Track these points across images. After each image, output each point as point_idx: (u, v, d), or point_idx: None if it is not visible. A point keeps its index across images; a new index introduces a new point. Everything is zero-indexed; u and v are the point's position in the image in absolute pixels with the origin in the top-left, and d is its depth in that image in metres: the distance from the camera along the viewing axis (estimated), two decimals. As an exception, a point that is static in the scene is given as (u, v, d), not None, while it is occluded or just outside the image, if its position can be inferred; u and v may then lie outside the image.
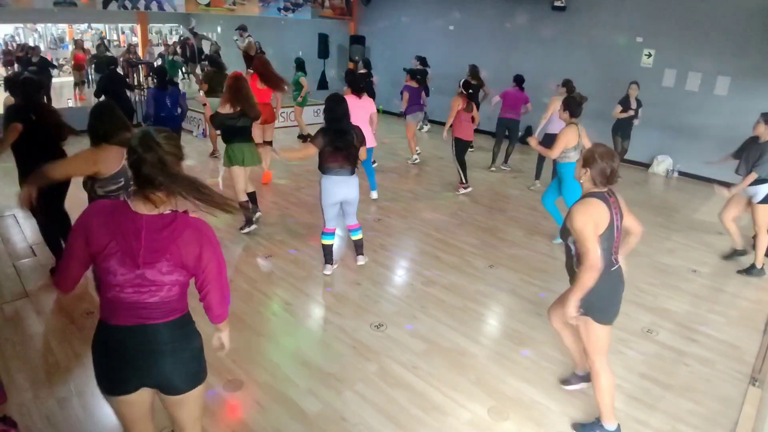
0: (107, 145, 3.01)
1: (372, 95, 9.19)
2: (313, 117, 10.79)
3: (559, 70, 9.29)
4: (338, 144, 4.06)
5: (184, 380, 1.92)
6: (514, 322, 3.94)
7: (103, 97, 6.81)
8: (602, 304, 2.60)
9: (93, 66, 12.66)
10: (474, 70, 9.01)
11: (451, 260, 4.90)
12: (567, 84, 6.99)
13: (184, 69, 15.37)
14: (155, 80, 6.58)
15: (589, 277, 2.44)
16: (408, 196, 6.78)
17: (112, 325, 1.81)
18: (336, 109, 4.09)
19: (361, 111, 5.77)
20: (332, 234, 4.45)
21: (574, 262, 2.63)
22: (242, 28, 11.37)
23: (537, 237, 5.61)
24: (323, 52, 12.83)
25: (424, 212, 6.20)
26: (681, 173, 8.51)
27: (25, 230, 5.17)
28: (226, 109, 4.88)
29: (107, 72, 7.46)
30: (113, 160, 3.03)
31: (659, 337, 3.83)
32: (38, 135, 3.99)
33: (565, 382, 3.22)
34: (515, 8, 9.99)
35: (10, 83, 4.39)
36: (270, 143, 6.95)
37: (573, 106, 4.92)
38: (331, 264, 4.54)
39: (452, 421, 2.88)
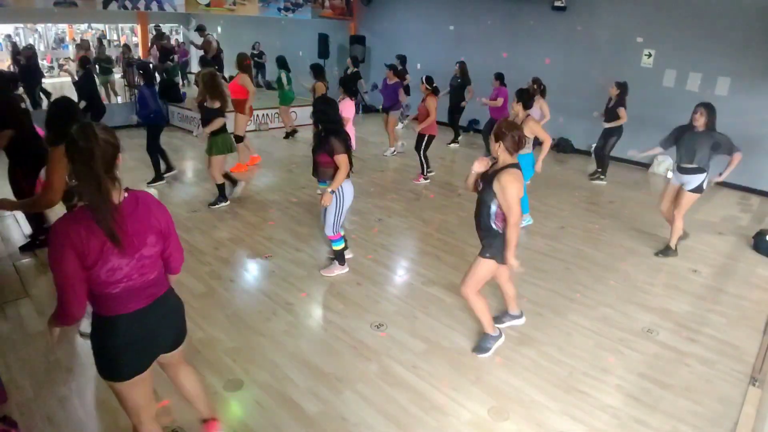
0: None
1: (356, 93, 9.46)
2: (309, 117, 10.77)
3: (560, 70, 9.32)
4: (348, 147, 4.09)
5: (182, 336, 2.22)
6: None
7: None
8: (500, 251, 3.23)
9: (97, 66, 12.62)
10: (463, 67, 9.20)
11: (452, 260, 4.90)
12: (537, 81, 7.01)
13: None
14: (143, 77, 6.66)
15: (517, 232, 3.11)
16: (408, 196, 6.78)
17: (127, 313, 1.91)
18: (332, 113, 4.06)
19: (349, 112, 6.00)
20: (343, 237, 4.51)
21: (492, 220, 3.17)
22: (201, 29, 11.42)
23: (537, 237, 5.61)
24: (323, 52, 12.83)
25: (425, 212, 6.20)
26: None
27: (25, 230, 5.17)
28: (217, 104, 5.55)
29: (83, 72, 7.50)
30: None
31: (659, 337, 3.83)
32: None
33: (480, 350, 3.53)
34: (515, 8, 9.99)
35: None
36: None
37: (526, 99, 5.20)
38: (345, 262, 4.59)
39: (452, 421, 2.88)
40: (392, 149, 8.70)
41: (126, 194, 1.87)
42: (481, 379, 3.24)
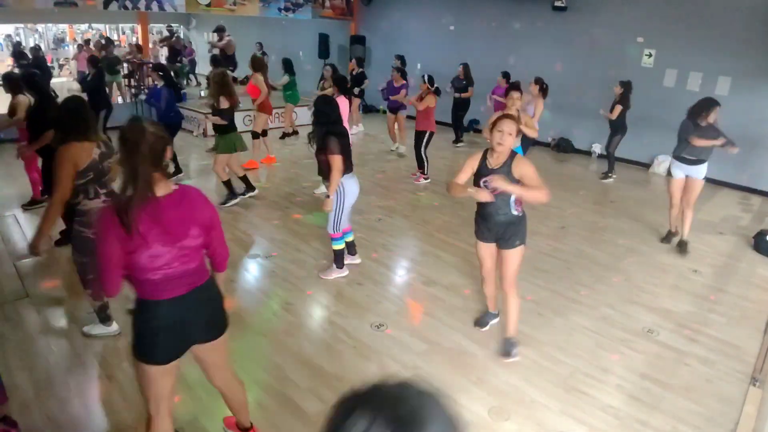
0: (77, 142, 3.05)
1: (361, 93, 9.56)
2: (310, 117, 10.79)
3: (560, 70, 9.31)
4: (347, 145, 4.07)
5: (221, 327, 2.24)
6: (514, 322, 3.93)
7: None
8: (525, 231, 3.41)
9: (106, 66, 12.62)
10: (466, 69, 9.27)
11: (452, 260, 4.90)
12: (539, 81, 7.04)
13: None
14: (163, 78, 6.64)
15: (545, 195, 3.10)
16: (409, 195, 6.78)
17: (165, 299, 1.99)
18: (332, 112, 4.06)
19: (344, 111, 5.96)
20: (349, 231, 4.51)
21: (512, 209, 3.27)
22: (220, 29, 11.45)
23: (537, 237, 5.60)
24: (324, 53, 12.83)
25: (426, 212, 6.20)
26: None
27: (25, 230, 5.17)
28: (225, 104, 5.59)
29: (95, 71, 7.51)
30: (83, 156, 3.08)
31: (660, 337, 3.83)
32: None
33: (481, 323, 3.75)
34: (516, 8, 9.99)
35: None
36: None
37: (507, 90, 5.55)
38: (344, 264, 4.51)
39: (453, 421, 2.88)
40: (404, 147, 8.80)
41: (176, 187, 1.99)
42: (482, 379, 3.24)
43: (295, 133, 9.83)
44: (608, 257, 5.17)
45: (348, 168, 4.11)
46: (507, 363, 3.41)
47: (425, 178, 7.31)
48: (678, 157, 5.21)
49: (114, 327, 3.51)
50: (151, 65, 7.68)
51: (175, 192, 1.97)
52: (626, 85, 7.54)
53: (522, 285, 4.48)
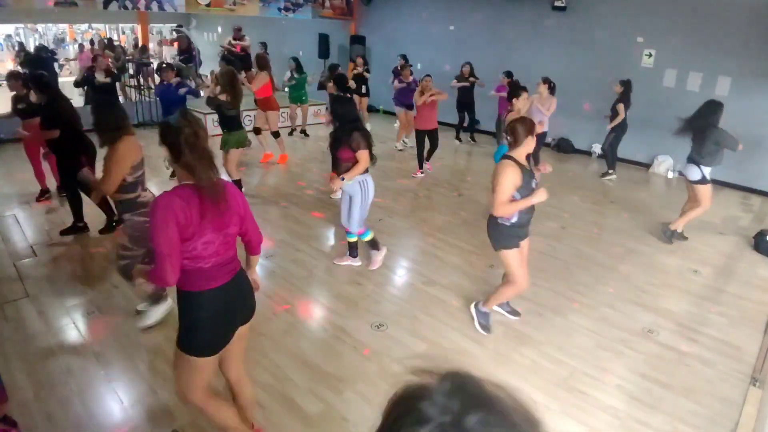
0: (126, 135, 3.24)
1: (368, 93, 9.56)
2: (312, 117, 10.80)
3: (560, 70, 9.31)
4: (371, 143, 4.21)
5: (254, 305, 2.32)
6: (514, 321, 3.93)
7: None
8: (510, 241, 3.46)
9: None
10: (469, 69, 9.35)
11: (452, 260, 4.90)
12: (547, 81, 7.07)
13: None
14: (161, 75, 6.83)
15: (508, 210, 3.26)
16: (408, 195, 6.78)
17: (215, 288, 2.06)
18: (352, 111, 4.21)
19: None
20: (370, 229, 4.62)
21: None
22: (239, 30, 11.46)
23: (537, 237, 5.59)
24: (324, 53, 12.83)
25: (425, 212, 6.20)
26: (681, 173, 8.48)
27: (25, 230, 5.17)
28: (223, 97, 5.65)
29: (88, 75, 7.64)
30: (137, 151, 3.28)
31: (660, 337, 3.83)
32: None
33: (512, 312, 3.94)
34: (515, 8, 9.98)
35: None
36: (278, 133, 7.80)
37: (516, 90, 5.78)
38: (358, 255, 4.71)
39: (453, 421, 2.88)
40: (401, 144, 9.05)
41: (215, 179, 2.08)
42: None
43: (303, 132, 9.83)
44: (608, 257, 5.17)
45: (371, 166, 4.27)
46: (507, 363, 3.41)
47: (421, 173, 7.54)
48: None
49: (169, 300, 3.60)
50: (165, 64, 7.68)
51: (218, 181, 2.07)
52: (626, 84, 7.57)
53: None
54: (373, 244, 4.62)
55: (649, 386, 3.26)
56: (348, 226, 4.47)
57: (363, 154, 4.11)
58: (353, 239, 4.57)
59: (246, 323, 2.29)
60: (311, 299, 4.16)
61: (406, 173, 7.68)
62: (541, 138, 7.18)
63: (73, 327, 3.59)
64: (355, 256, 4.66)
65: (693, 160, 5.24)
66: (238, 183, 6.03)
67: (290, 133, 9.79)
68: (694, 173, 5.26)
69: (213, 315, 2.08)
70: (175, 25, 13.91)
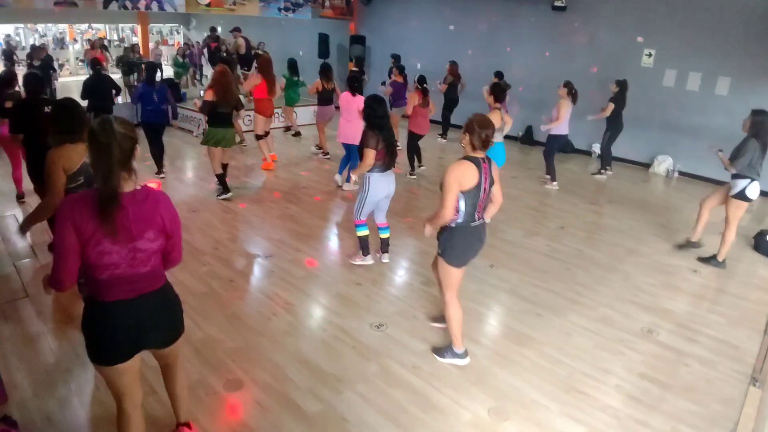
0: (70, 144, 3.01)
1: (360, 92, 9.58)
2: (312, 117, 10.79)
3: (560, 70, 9.31)
4: (387, 141, 4.25)
5: (175, 335, 2.24)
6: (514, 322, 3.94)
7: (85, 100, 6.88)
8: (455, 251, 3.14)
9: (121, 68, 12.58)
10: (453, 67, 9.45)
11: (452, 260, 4.90)
12: (567, 85, 7.08)
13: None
14: (145, 75, 6.76)
15: (442, 218, 3.04)
16: (408, 195, 6.78)
17: (109, 301, 1.97)
18: (378, 109, 4.24)
19: (357, 108, 5.95)
20: (366, 225, 4.60)
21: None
22: (236, 29, 11.47)
23: (537, 237, 5.61)
24: (324, 53, 12.83)
25: (425, 212, 6.20)
26: (681, 173, 8.50)
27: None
28: (209, 97, 5.68)
29: (93, 73, 7.27)
30: (74, 159, 3.02)
31: (660, 337, 3.83)
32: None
33: (435, 320, 3.78)
34: (515, 8, 9.99)
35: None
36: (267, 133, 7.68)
37: (498, 92, 5.71)
38: (369, 253, 4.70)
39: (452, 421, 2.88)
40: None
41: (138, 187, 1.96)
42: (481, 379, 3.24)
43: (298, 134, 9.85)
44: (607, 257, 5.17)
45: (383, 164, 4.29)
46: (507, 364, 3.41)
47: (411, 174, 7.59)
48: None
49: None
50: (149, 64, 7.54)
51: (138, 192, 1.95)
52: (622, 84, 7.64)
53: (521, 285, 4.50)
54: (362, 245, 4.64)
55: (648, 386, 3.26)
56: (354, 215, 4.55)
57: (367, 152, 4.19)
58: (360, 233, 4.58)
59: (165, 347, 2.22)
60: (311, 299, 4.16)
61: (403, 173, 7.69)
62: (556, 141, 7.22)
63: (73, 327, 3.58)
64: (366, 254, 4.69)
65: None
66: (221, 178, 6.12)
67: (294, 134, 9.84)
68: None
69: (106, 328, 1.99)
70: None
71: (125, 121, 1.93)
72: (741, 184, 4.76)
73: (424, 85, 7.31)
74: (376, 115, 4.23)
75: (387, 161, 4.31)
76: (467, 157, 3.04)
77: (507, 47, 10.26)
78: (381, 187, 4.39)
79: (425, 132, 7.43)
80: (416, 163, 7.66)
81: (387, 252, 4.80)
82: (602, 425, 2.91)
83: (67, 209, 1.85)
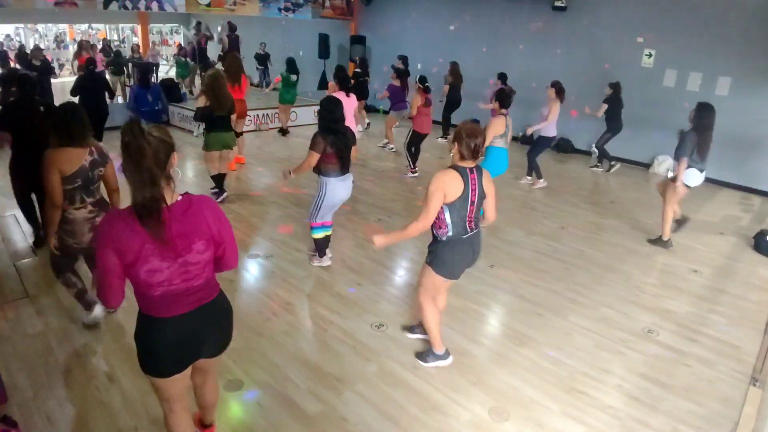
0: (69, 148, 3.00)
1: (366, 95, 9.58)
2: (313, 117, 10.81)
3: (560, 70, 9.31)
4: (342, 146, 4.10)
5: (227, 343, 2.18)
6: (514, 322, 3.93)
7: (77, 98, 6.73)
8: (445, 265, 3.03)
9: (110, 69, 12.53)
10: (454, 68, 9.43)
11: (452, 260, 4.89)
12: (555, 85, 7.09)
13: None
14: (138, 77, 6.71)
15: (414, 229, 2.90)
16: (408, 195, 6.78)
17: (169, 317, 1.89)
18: (334, 111, 4.09)
19: (349, 108, 5.96)
20: (329, 226, 4.57)
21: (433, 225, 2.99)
22: (231, 28, 11.46)
23: (537, 237, 5.60)
24: (324, 53, 12.83)
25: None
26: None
27: (25, 230, 5.17)
28: (201, 103, 5.62)
29: (86, 72, 7.13)
30: (73, 161, 3.01)
31: (660, 337, 3.83)
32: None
33: (411, 330, 3.64)
34: (515, 8, 9.99)
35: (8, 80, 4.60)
36: (241, 134, 7.60)
37: (503, 98, 5.59)
38: (327, 255, 4.66)
39: (452, 421, 2.88)
40: (391, 146, 9.12)
41: (180, 197, 1.85)
42: (481, 379, 3.24)
43: (286, 132, 9.91)
44: (607, 257, 5.17)
45: (337, 169, 4.16)
46: (507, 364, 3.41)
47: (412, 173, 7.54)
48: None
49: (98, 311, 3.54)
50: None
51: (179, 202, 1.83)
52: (615, 86, 7.78)
53: (521, 285, 4.49)
54: (318, 247, 4.60)
55: (648, 386, 3.26)
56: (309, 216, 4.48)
57: (309, 154, 4.07)
58: (316, 235, 4.53)
59: (214, 357, 2.16)
60: (311, 299, 4.16)
61: (404, 172, 7.68)
62: (546, 142, 7.23)
63: (73, 327, 3.59)
64: (322, 256, 4.63)
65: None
66: (219, 179, 6.07)
67: (284, 133, 9.87)
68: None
69: (166, 343, 1.92)
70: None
71: (160, 126, 1.84)
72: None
73: (426, 84, 7.29)
74: (329, 119, 4.07)
75: (340, 166, 4.15)
76: (453, 167, 2.88)
77: (507, 47, 10.26)
78: (337, 193, 4.28)
79: (428, 131, 7.44)
80: (412, 164, 7.59)
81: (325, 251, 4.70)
82: (602, 425, 2.91)
83: (107, 231, 1.74)
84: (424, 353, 3.38)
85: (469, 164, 2.88)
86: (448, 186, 2.81)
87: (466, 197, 2.84)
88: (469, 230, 2.97)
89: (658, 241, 5.50)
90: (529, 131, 7.27)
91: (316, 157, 4.08)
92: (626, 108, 7.85)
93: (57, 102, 9.58)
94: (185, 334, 1.94)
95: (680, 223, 5.67)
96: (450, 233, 2.92)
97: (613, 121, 7.83)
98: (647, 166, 8.82)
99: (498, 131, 5.51)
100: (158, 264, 1.77)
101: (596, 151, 8.62)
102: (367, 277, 4.50)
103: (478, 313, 4.04)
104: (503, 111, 5.58)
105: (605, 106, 7.74)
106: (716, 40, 7.80)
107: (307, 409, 2.91)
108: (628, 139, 8.16)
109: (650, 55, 8.56)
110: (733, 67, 7.72)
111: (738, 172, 7.85)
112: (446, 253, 2.99)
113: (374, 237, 3.02)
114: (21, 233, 5.13)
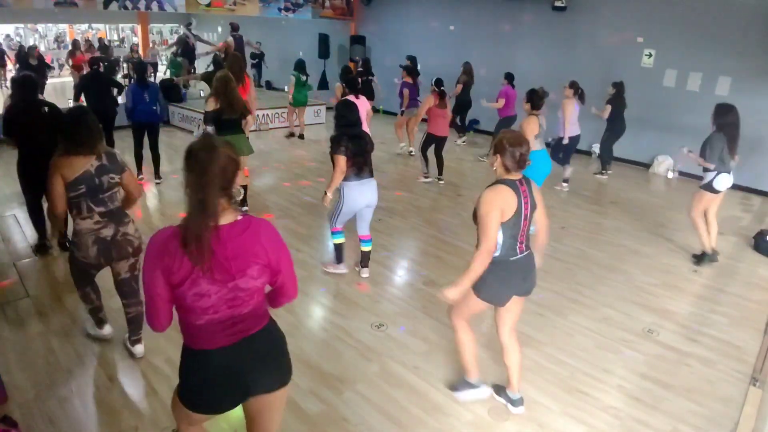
0: (75, 156, 2.87)
1: (371, 96, 9.49)
2: (313, 117, 10.81)
3: (560, 70, 9.31)
4: (358, 150, 4.00)
5: (284, 379, 1.93)
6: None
7: (81, 100, 6.51)
8: (488, 288, 2.70)
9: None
10: (467, 68, 9.33)
11: (452, 260, 4.90)
12: (573, 85, 7.07)
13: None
14: (135, 76, 6.61)
15: (481, 262, 2.56)
16: (408, 196, 6.78)
17: (211, 350, 1.75)
18: (349, 116, 4.03)
19: (361, 111, 5.82)
20: (342, 232, 4.42)
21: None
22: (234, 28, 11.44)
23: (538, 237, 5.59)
24: (324, 53, 12.83)
25: (425, 212, 6.20)
26: (681, 173, 8.49)
27: (25, 230, 5.17)
28: (211, 106, 5.24)
29: (87, 72, 6.92)
30: (75, 166, 2.87)
31: (660, 337, 3.83)
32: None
33: (454, 388, 3.12)
34: (516, 8, 9.99)
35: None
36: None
37: (535, 99, 5.31)
38: (343, 262, 4.52)
39: (453, 421, 2.88)
40: (403, 145, 8.95)
41: (240, 217, 1.73)
42: (482, 379, 3.23)
43: (302, 136, 9.73)
44: (609, 257, 5.17)
45: (355, 173, 4.04)
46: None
47: (425, 177, 7.36)
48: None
49: (107, 330, 3.44)
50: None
51: (238, 222, 1.70)
52: (618, 86, 7.69)
53: (522, 285, 4.48)
54: (337, 253, 4.49)
55: (649, 386, 3.26)
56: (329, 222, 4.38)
57: (336, 159, 3.96)
58: (336, 240, 4.42)
59: (272, 391, 1.88)
60: (311, 299, 4.16)
61: (404, 174, 7.68)
62: (572, 143, 7.23)
63: (74, 327, 3.59)
64: (339, 262, 4.50)
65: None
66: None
67: (299, 136, 9.78)
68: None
69: (205, 379, 1.78)
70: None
71: (229, 143, 1.75)
72: (708, 176, 4.86)
73: (441, 88, 7.07)
74: (345, 123, 4.01)
75: (358, 170, 4.03)
76: (502, 181, 2.60)
77: (507, 48, 10.26)
78: (358, 198, 4.13)
79: (444, 134, 7.10)
80: (425, 168, 7.33)
81: (367, 267, 4.50)
82: (603, 425, 2.91)
83: (156, 249, 1.64)
84: (457, 383, 3.11)
85: (516, 176, 2.63)
86: (503, 203, 2.55)
87: (519, 213, 2.59)
88: (518, 252, 2.70)
89: (702, 259, 5.05)
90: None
91: (343, 159, 3.93)
92: (626, 108, 7.84)
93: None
94: (228, 369, 1.78)
95: (710, 257, 5.10)
96: (497, 254, 2.63)
97: (616, 122, 7.77)
98: (647, 166, 8.82)
99: (534, 132, 5.17)
100: (207, 287, 1.65)
101: (597, 152, 8.63)
102: (368, 278, 4.50)
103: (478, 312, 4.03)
104: (534, 111, 5.28)
105: (609, 107, 7.62)
106: (716, 40, 7.80)
107: (307, 409, 2.91)
108: (629, 139, 8.14)
109: (650, 55, 8.56)
110: (733, 66, 7.72)
111: (738, 172, 7.78)
112: (490, 276, 2.66)
113: (445, 292, 2.66)
114: (21, 233, 5.13)
